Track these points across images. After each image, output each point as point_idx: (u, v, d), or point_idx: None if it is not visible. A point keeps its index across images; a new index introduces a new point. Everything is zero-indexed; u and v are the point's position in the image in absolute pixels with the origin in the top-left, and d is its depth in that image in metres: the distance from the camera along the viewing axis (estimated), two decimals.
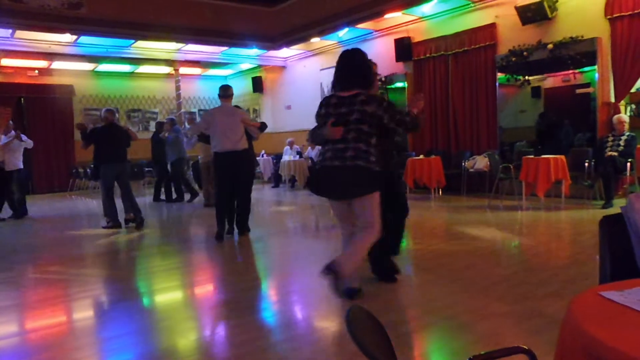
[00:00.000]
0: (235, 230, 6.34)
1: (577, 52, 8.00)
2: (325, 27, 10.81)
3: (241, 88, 16.35)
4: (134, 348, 2.99)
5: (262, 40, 12.00)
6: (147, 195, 11.44)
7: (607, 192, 7.21)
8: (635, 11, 7.34)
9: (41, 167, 13.73)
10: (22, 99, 13.42)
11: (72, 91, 14.15)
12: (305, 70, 13.77)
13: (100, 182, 7.47)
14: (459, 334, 2.98)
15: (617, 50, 7.64)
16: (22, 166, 8.79)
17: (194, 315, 3.62)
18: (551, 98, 10.08)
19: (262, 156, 13.77)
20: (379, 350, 1.12)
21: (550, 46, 8.24)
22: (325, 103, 3.47)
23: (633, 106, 8.25)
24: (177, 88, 13.66)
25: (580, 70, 8.75)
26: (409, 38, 10.59)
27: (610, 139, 7.44)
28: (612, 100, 7.84)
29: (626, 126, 7.38)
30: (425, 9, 9.95)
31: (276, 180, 13.21)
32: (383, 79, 10.39)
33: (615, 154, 7.20)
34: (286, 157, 12.47)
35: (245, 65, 15.31)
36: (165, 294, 4.21)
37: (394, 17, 10.37)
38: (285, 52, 13.61)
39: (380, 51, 10.82)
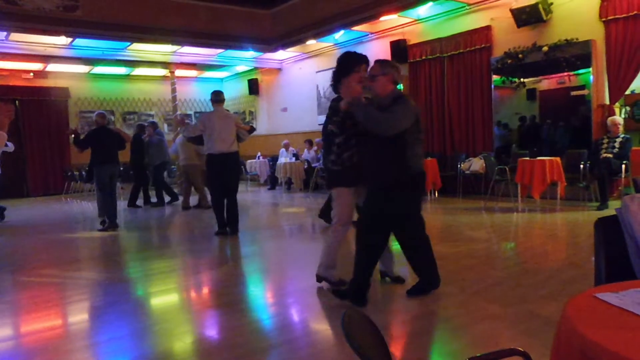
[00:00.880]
0: (228, 230, 6.50)
1: (572, 55, 8.03)
2: (321, 29, 10.82)
3: (237, 90, 16.34)
4: (130, 351, 2.98)
5: (258, 42, 12.00)
6: (123, 199, 10.51)
7: (602, 194, 7.23)
8: (630, 14, 7.38)
9: (36, 169, 13.67)
10: (17, 102, 13.33)
11: (67, 94, 14.09)
12: (301, 73, 13.78)
13: (95, 184, 7.59)
14: (455, 336, 2.98)
15: (611, 52, 7.67)
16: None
17: (189, 318, 3.60)
18: (546, 100, 10.12)
19: (258, 158, 13.76)
20: (374, 352, 1.12)
21: (545, 48, 8.27)
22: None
23: (628, 108, 8.29)
24: (173, 90, 13.63)
25: (575, 72, 8.78)
26: (404, 40, 10.61)
27: (605, 141, 7.47)
28: (607, 102, 7.87)
29: (620, 128, 7.41)
30: (420, 11, 9.98)
31: (272, 182, 13.20)
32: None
33: (610, 155, 7.23)
34: (282, 159, 12.47)
35: (241, 68, 15.30)
36: (161, 297, 4.20)
37: (390, 20, 10.38)
38: (281, 55, 13.61)
39: (376, 53, 10.80)
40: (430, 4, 9.38)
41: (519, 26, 8.59)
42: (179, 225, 8.39)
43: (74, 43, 11.23)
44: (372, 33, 11.35)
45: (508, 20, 8.72)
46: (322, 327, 3.31)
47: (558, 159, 7.41)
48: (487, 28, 9.19)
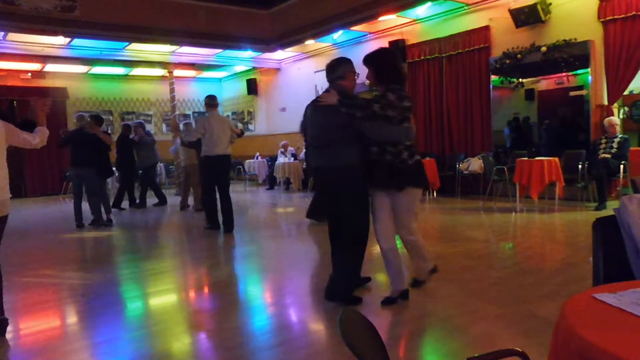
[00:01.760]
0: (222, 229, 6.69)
1: (571, 55, 8.04)
2: (319, 29, 10.81)
3: (236, 90, 16.33)
4: (128, 352, 2.97)
5: (257, 42, 11.99)
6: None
7: (600, 194, 7.24)
8: (628, 14, 7.39)
9: (34, 170, 13.64)
10: (15, 102, 13.31)
11: (65, 94, 14.05)
12: (300, 73, 13.77)
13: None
14: (453, 336, 2.97)
15: (610, 52, 7.68)
16: None
17: (187, 319, 3.59)
18: (545, 100, 10.12)
19: (257, 158, 13.75)
20: (371, 352, 1.12)
21: (543, 49, 8.28)
22: None
23: (626, 109, 8.30)
24: (172, 90, 13.60)
25: (574, 72, 8.78)
26: (403, 40, 10.61)
27: (604, 141, 7.48)
28: (605, 102, 7.88)
29: (617, 129, 7.41)
30: (419, 11, 9.98)
31: (271, 182, 13.20)
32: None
33: (609, 156, 7.23)
34: (281, 160, 12.47)
35: (239, 68, 15.29)
36: (159, 297, 4.19)
37: (389, 20, 10.38)
38: (279, 55, 13.60)
39: None
40: (429, 4, 9.39)
41: (517, 26, 8.60)
42: (177, 225, 8.37)
43: (72, 43, 11.21)
44: (370, 33, 11.34)
45: (507, 20, 8.73)
46: (320, 328, 3.31)
47: (556, 159, 7.41)
48: (486, 28, 9.19)
